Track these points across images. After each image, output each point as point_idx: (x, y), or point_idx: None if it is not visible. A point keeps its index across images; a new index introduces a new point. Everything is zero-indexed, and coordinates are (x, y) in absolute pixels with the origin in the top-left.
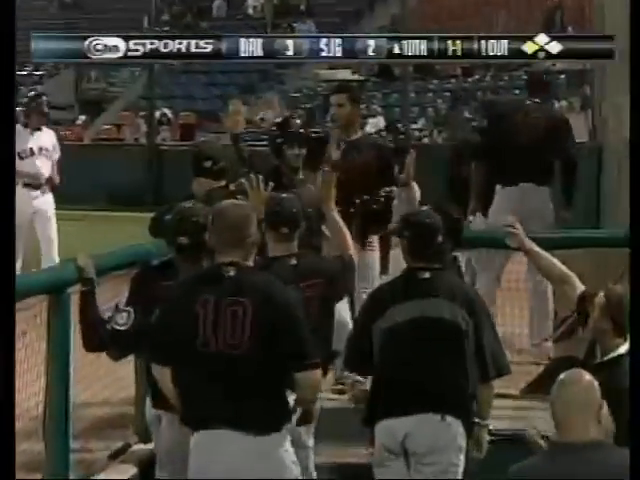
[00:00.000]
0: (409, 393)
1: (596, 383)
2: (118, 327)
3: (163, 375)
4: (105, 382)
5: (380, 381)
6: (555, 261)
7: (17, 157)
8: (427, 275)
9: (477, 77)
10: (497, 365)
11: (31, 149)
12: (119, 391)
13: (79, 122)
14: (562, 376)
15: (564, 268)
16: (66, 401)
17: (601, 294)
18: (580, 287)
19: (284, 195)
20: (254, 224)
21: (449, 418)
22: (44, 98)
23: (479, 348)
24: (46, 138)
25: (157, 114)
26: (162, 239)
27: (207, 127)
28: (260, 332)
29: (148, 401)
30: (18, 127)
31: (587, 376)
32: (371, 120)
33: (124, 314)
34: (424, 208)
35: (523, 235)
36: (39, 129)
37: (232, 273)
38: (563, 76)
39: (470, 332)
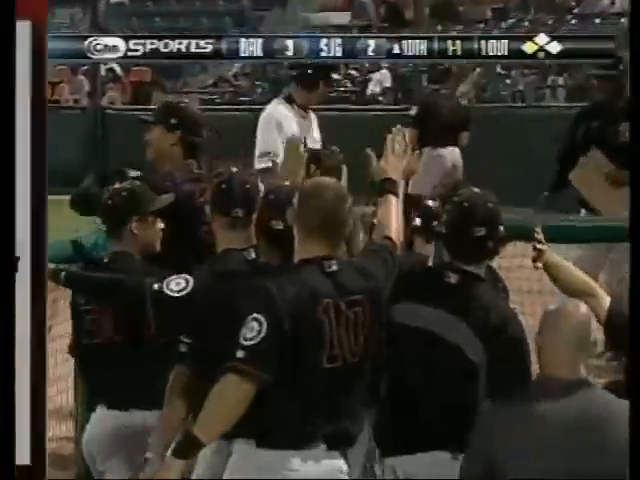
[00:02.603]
0: (407, 425)
1: (593, 318)
2: (172, 293)
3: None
4: None
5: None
6: (576, 271)
7: (264, 158)
8: (453, 280)
9: (513, 21)
10: None
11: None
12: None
13: None
14: (554, 306)
15: (587, 279)
16: None
17: None
18: (606, 300)
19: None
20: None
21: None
22: None
23: (490, 385)
24: (313, 124)
25: (102, 69)
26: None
27: (166, 86)
28: (378, 331)
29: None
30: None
31: (584, 309)
32: (374, 75)
33: (181, 280)
34: (475, 190)
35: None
36: (305, 108)
37: (335, 268)
38: (623, 20)
39: (482, 363)
